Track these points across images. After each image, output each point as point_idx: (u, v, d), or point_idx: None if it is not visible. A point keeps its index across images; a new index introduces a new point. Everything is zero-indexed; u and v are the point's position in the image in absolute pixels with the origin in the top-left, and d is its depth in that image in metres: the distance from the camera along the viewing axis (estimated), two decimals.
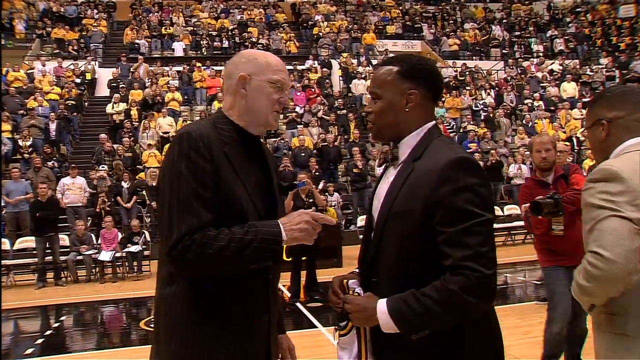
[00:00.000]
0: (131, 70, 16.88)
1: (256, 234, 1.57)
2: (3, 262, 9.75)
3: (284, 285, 8.25)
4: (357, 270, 1.82)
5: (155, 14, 20.51)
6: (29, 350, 5.89)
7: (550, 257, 3.74)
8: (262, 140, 1.85)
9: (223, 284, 1.62)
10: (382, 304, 1.54)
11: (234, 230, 1.57)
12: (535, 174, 4.00)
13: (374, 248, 1.66)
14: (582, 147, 15.40)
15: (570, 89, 18.36)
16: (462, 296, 1.45)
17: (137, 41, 18.76)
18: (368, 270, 1.70)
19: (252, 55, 1.78)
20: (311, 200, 7.11)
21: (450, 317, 1.50)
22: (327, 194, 12.44)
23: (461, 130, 15.87)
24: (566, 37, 22.47)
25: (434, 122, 1.71)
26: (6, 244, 10.33)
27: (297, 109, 16.15)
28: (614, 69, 20.11)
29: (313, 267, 7.41)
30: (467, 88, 17.93)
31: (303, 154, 13.96)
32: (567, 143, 13.16)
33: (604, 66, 20.35)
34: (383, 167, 1.79)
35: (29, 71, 16.20)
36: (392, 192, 1.62)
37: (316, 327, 6.06)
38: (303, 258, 7.25)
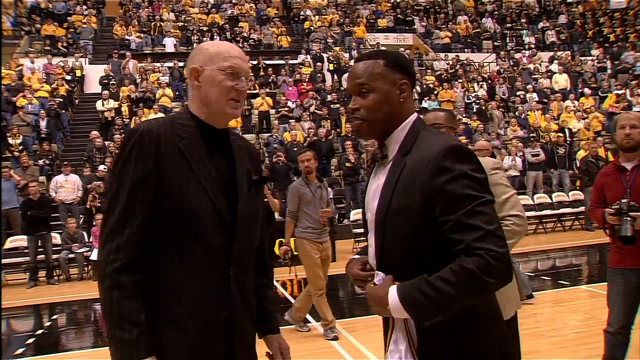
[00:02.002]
0: (120, 67, 16.76)
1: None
2: None
3: (277, 281, 8.24)
4: (357, 256, 1.81)
5: (145, 9, 20.36)
6: (20, 350, 5.85)
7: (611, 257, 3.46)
8: (241, 134, 1.80)
9: (173, 275, 1.58)
10: (393, 291, 1.50)
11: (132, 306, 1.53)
12: (618, 158, 3.43)
13: (378, 249, 1.63)
14: (574, 139, 15.44)
15: (562, 80, 18.40)
16: (480, 275, 1.41)
17: (127, 37, 18.62)
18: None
19: (204, 47, 1.76)
20: (266, 200, 6.90)
21: (466, 299, 1.46)
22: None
23: None
24: (558, 29, 22.49)
25: (416, 114, 1.71)
26: None
27: (289, 103, 16.10)
28: (605, 60, 20.16)
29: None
30: (459, 81, 17.92)
31: (295, 149, 13.91)
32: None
33: (595, 57, 20.41)
34: (372, 167, 1.76)
35: (17, 68, 16.05)
36: (388, 191, 1.59)
37: (309, 321, 6.04)
38: None
